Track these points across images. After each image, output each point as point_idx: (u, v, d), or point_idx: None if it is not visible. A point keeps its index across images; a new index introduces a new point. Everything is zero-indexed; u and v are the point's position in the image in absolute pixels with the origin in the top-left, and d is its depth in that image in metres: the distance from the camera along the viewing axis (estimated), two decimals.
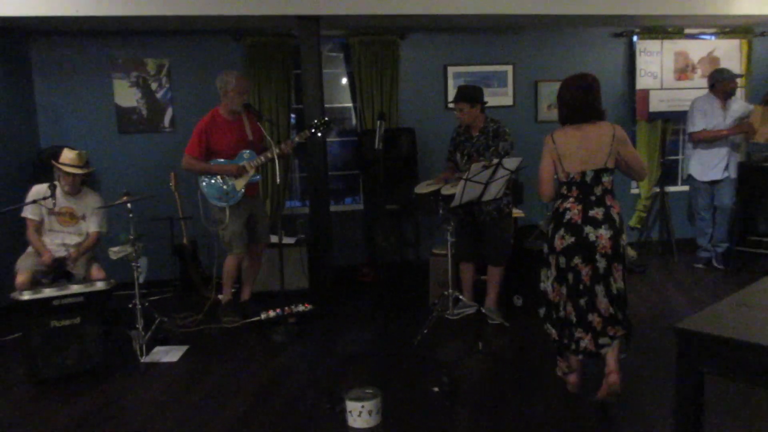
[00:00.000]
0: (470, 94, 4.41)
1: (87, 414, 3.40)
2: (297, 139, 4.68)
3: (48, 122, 5.86)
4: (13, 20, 5.08)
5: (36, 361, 3.78)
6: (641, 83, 6.48)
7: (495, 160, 3.81)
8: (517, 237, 5.09)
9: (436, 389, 3.41)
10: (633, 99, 6.60)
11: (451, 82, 6.29)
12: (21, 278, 4.30)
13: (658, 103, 6.51)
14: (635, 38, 6.49)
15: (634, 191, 6.84)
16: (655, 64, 6.49)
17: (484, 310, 4.60)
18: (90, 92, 5.87)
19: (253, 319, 4.61)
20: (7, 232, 4.97)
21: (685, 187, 6.53)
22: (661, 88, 6.51)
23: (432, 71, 6.32)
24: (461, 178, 3.85)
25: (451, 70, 6.30)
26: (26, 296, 3.82)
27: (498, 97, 6.33)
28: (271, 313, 4.58)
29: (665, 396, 3.31)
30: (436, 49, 6.30)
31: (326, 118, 4.80)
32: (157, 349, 4.30)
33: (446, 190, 4.32)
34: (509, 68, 6.40)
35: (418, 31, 6.20)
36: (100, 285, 4.06)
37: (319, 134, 4.77)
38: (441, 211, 4.36)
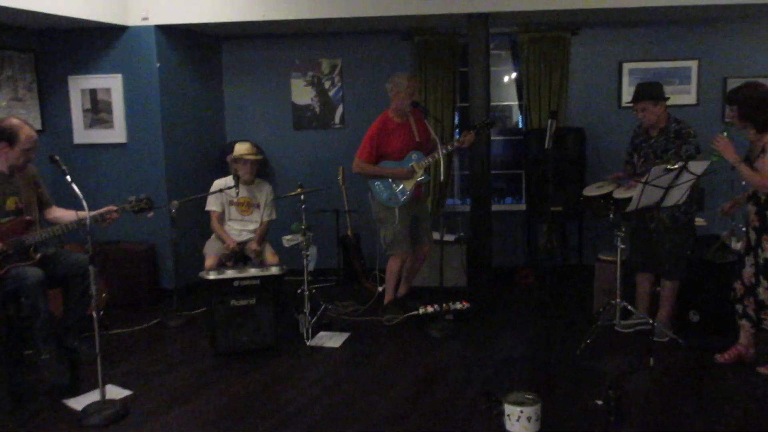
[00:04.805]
0: (652, 92, 4.10)
1: (259, 387, 3.68)
2: (464, 140, 4.67)
3: (233, 119, 6.41)
4: (208, 26, 5.62)
5: (216, 335, 4.15)
6: None
7: (679, 163, 3.52)
8: (696, 248, 4.67)
9: (599, 402, 3.23)
10: None
11: (626, 80, 5.91)
12: (209, 261, 4.76)
13: None
14: None
15: None
16: None
17: (655, 325, 4.28)
18: (270, 91, 6.32)
19: (411, 313, 4.69)
20: (196, 219, 5.50)
21: None
22: None
23: (605, 68, 5.99)
24: (639, 182, 3.61)
25: (626, 66, 5.92)
26: (212, 276, 4.21)
27: (680, 95, 5.83)
28: (429, 309, 4.64)
29: None
30: (610, 44, 5.96)
31: (488, 119, 4.76)
32: (321, 333, 4.53)
33: (619, 194, 4.08)
34: (694, 63, 5.88)
35: (591, 25, 5.90)
36: (274, 270, 4.35)
37: (485, 133, 4.75)
38: (612, 216, 4.12)
